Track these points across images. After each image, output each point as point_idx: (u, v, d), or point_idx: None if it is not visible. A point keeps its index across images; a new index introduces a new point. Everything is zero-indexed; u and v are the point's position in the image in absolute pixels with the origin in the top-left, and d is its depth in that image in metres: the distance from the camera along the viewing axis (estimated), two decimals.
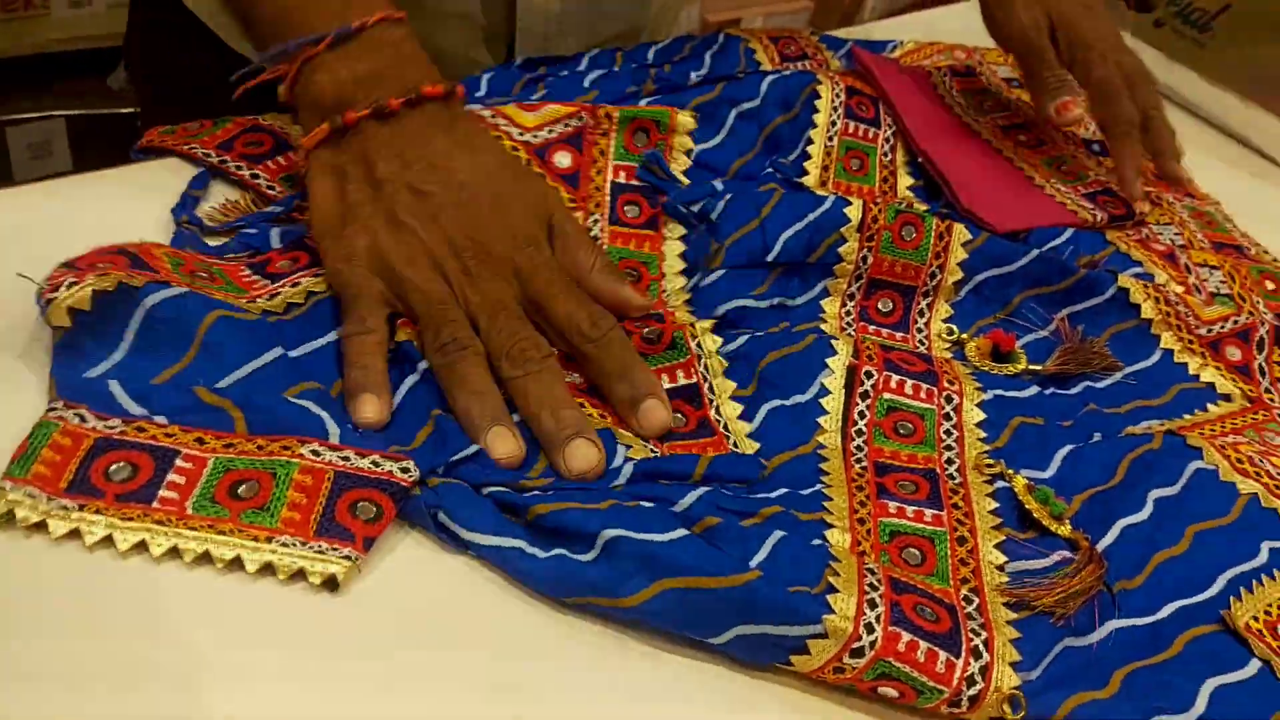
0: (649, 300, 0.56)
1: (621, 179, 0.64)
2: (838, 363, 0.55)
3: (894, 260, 0.62)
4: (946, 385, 0.56)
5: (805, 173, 0.71)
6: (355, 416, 0.46)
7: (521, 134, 0.63)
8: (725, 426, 0.52)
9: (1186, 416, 0.59)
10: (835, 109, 0.74)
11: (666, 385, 0.52)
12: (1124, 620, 0.46)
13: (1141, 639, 0.45)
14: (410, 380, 0.49)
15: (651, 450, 0.49)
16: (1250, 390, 0.62)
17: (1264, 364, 0.64)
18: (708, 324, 0.56)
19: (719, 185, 0.64)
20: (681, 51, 0.79)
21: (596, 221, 0.63)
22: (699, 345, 0.55)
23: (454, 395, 0.48)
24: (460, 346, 0.48)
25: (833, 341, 0.55)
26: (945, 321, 0.63)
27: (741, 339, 0.56)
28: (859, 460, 0.51)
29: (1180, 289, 0.68)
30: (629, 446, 0.49)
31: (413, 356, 0.50)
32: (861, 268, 0.62)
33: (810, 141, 0.72)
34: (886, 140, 0.75)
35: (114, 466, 0.41)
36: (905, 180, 0.74)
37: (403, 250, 0.51)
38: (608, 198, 0.63)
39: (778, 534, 0.44)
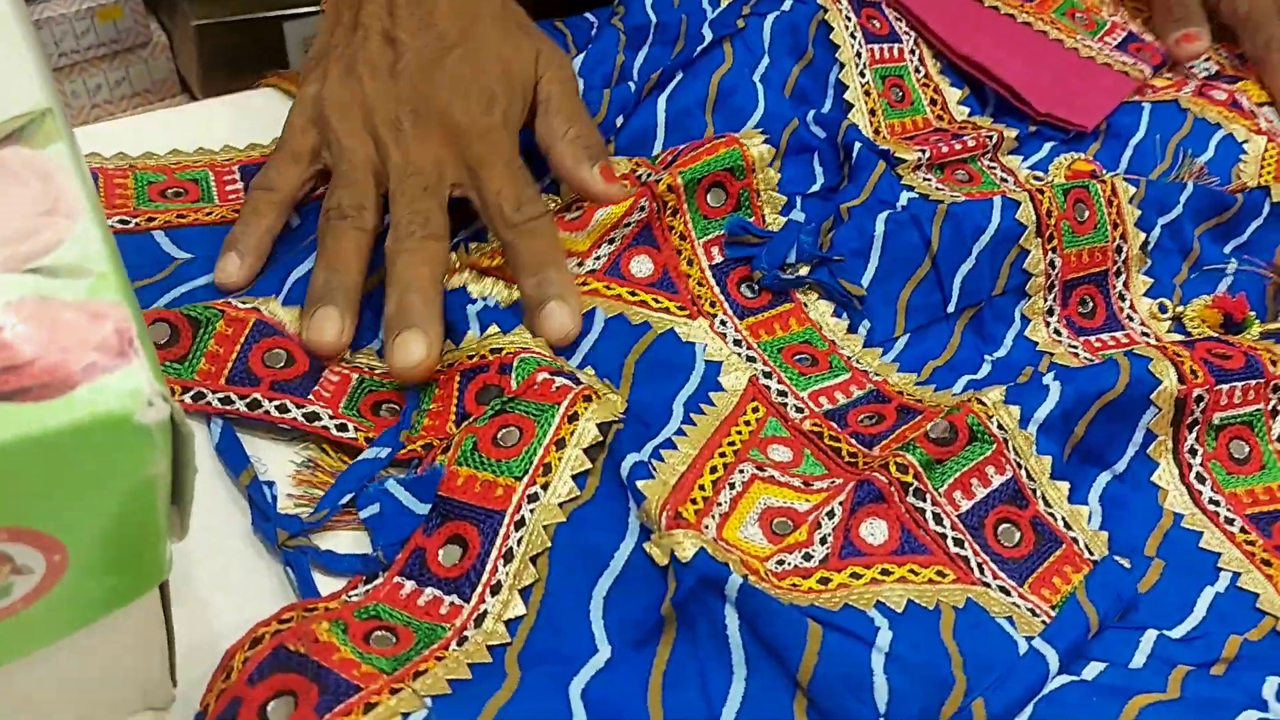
0: (623, 189, 0.47)
1: (719, 258, 0.47)
2: (1163, 397, 0.42)
3: (1079, 251, 0.49)
4: (1271, 369, 0.44)
5: (855, 125, 0.55)
6: (216, 274, 0.44)
7: (579, 265, 0.45)
8: (1065, 523, 0.40)
9: None
10: (853, 36, 0.57)
11: (981, 492, 0.39)
12: None
13: None
14: None
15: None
16: None
17: None
18: (998, 394, 0.41)
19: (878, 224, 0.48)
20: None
21: (725, 324, 0.46)
22: (999, 424, 0.40)
23: (315, 268, 0.44)
24: (341, 215, 0.44)
25: (1149, 366, 0.42)
26: (1149, 296, 0.51)
27: (1042, 401, 0.42)
28: (1232, 523, 0.41)
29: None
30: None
31: None
32: (1052, 274, 0.49)
33: (844, 87, 0.56)
34: (911, 53, 0.60)
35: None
36: (952, 95, 0.60)
37: (341, 101, 0.46)
38: (717, 290, 0.47)
39: None
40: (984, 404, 0.40)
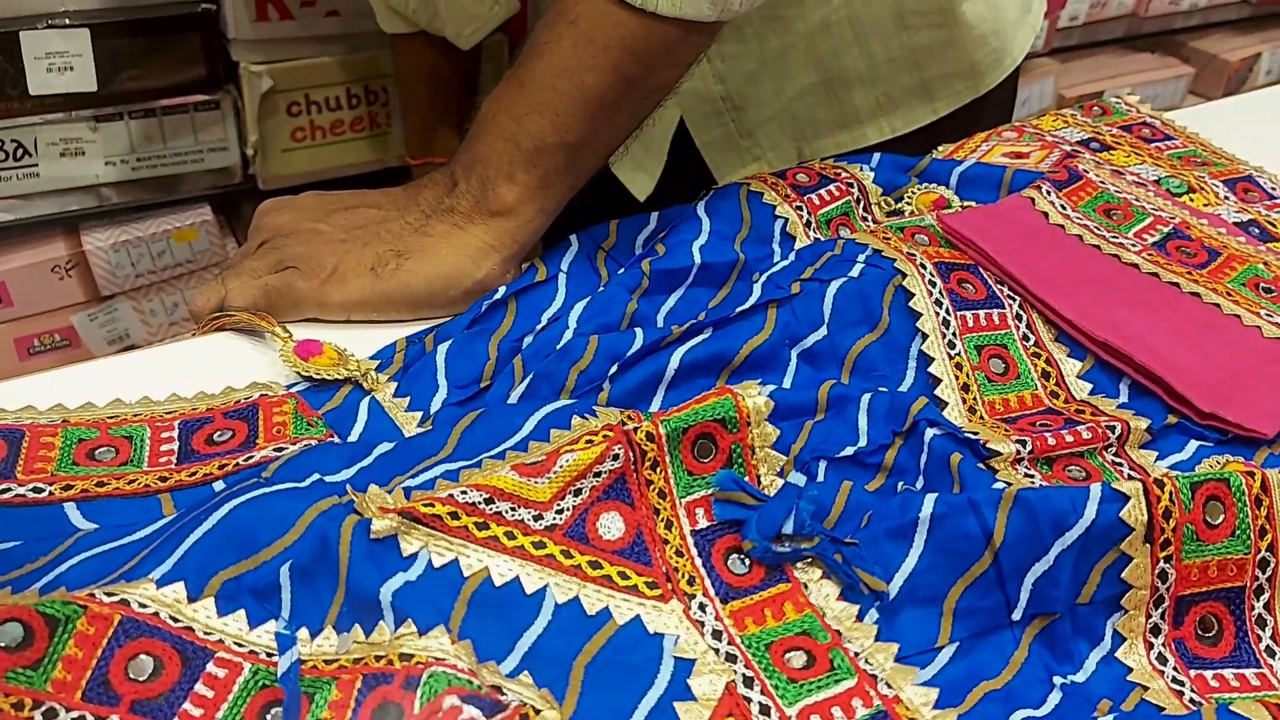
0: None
1: (703, 523, 0.39)
2: None
3: (1205, 563, 0.38)
4: None
5: (943, 403, 0.47)
6: None
7: (538, 519, 0.38)
8: None
9: None
10: (938, 302, 0.50)
11: None
12: None
13: None
14: None
15: None
16: None
17: None
18: None
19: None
20: (668, 224, 0.56)
21: (704, 608, 0.37)
22: None
23: None
24: None
25: None
26: None
27: None
28: None
29: None
30: None
31: None
32: (1161, 588, 0.38)
33: (928, 359, 0.48)
34: (1018, 318, 0.51)
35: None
36: (1071, 367, 0.50)
37: None
38: (699, 563, 0.38)
39: None
40: None
